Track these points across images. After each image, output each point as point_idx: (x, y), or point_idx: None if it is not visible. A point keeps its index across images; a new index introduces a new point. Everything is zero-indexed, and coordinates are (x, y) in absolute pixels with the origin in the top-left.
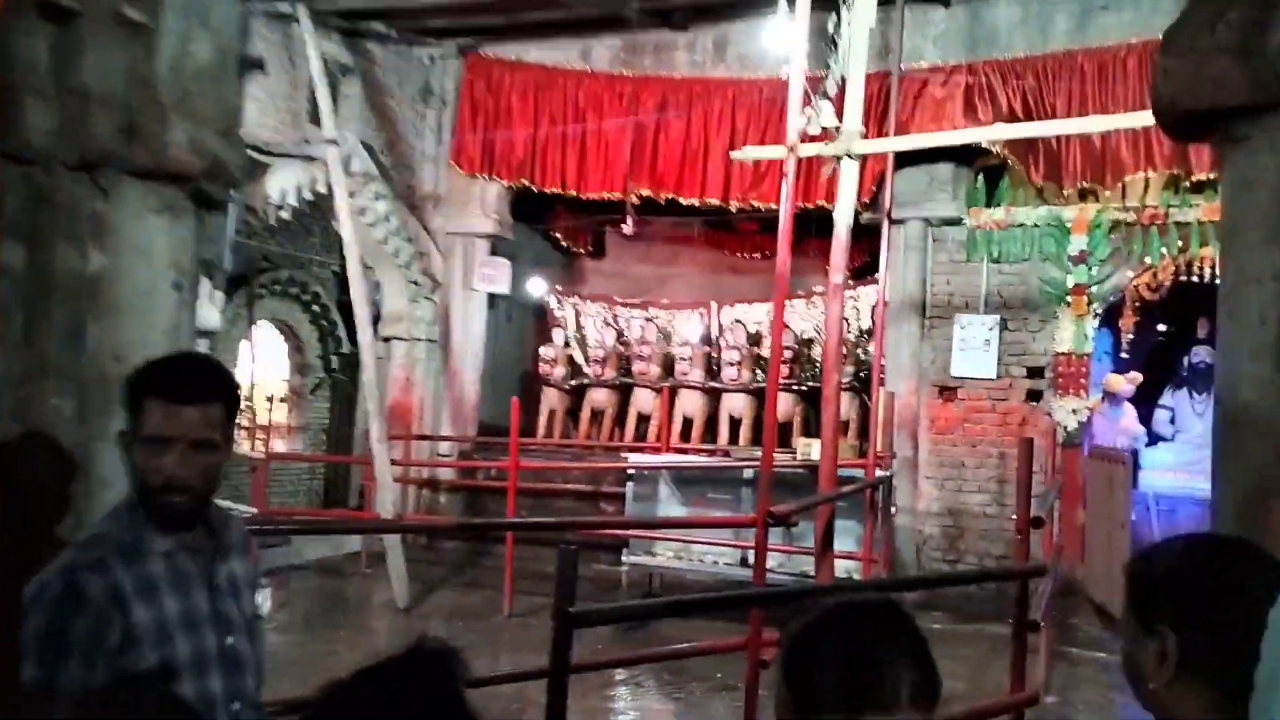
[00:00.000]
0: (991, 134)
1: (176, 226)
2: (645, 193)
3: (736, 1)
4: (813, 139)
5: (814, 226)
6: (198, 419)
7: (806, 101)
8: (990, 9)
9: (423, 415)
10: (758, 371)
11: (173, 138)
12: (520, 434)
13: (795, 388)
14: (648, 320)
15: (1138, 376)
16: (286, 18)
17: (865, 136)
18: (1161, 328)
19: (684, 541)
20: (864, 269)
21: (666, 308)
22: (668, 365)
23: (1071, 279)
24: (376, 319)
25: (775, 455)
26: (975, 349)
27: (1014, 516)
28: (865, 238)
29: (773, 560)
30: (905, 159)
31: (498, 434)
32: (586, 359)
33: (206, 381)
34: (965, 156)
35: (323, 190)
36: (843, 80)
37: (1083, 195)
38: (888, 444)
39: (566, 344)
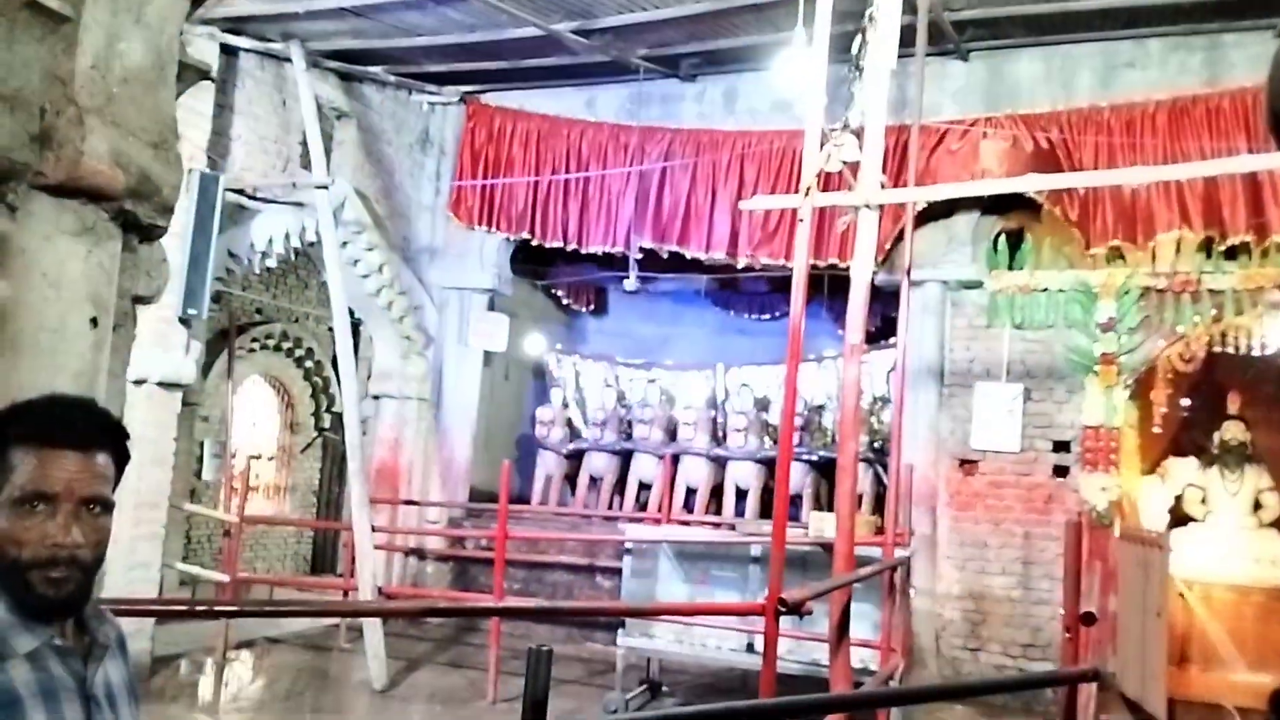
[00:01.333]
0: (1023, 184)
1: (96, 253)
2: (648, 244)
3: (746, 54)
4: (827, 185)
5: (825, 288)
6: (85, 469)
7: (825, 139)
8: (1011, 63)
9: (411, 478)
10: (765, 438)
11: (93, 147)
12: (514, 500)
13: (806, 457)
14: (650, 382)
15: None
16: (279, 57)
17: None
18: (1186, 401)
19: (685, 624)
20: (875, 336)
21: (670, 369)
22: (671, 430)
23: (1099, 347)
24: (367, 376)
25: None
26: (997, 420)
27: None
28: (877, 302)
29: (781, 646)
30: (923, 218)
31: (490, 499)
32: (586, 421)
33: (91, 424)
34: (986, 215)
35: (313, 239)
36: (860, 130)
37: (1109, 260)
38: (905, 520)
39: (565, 405)
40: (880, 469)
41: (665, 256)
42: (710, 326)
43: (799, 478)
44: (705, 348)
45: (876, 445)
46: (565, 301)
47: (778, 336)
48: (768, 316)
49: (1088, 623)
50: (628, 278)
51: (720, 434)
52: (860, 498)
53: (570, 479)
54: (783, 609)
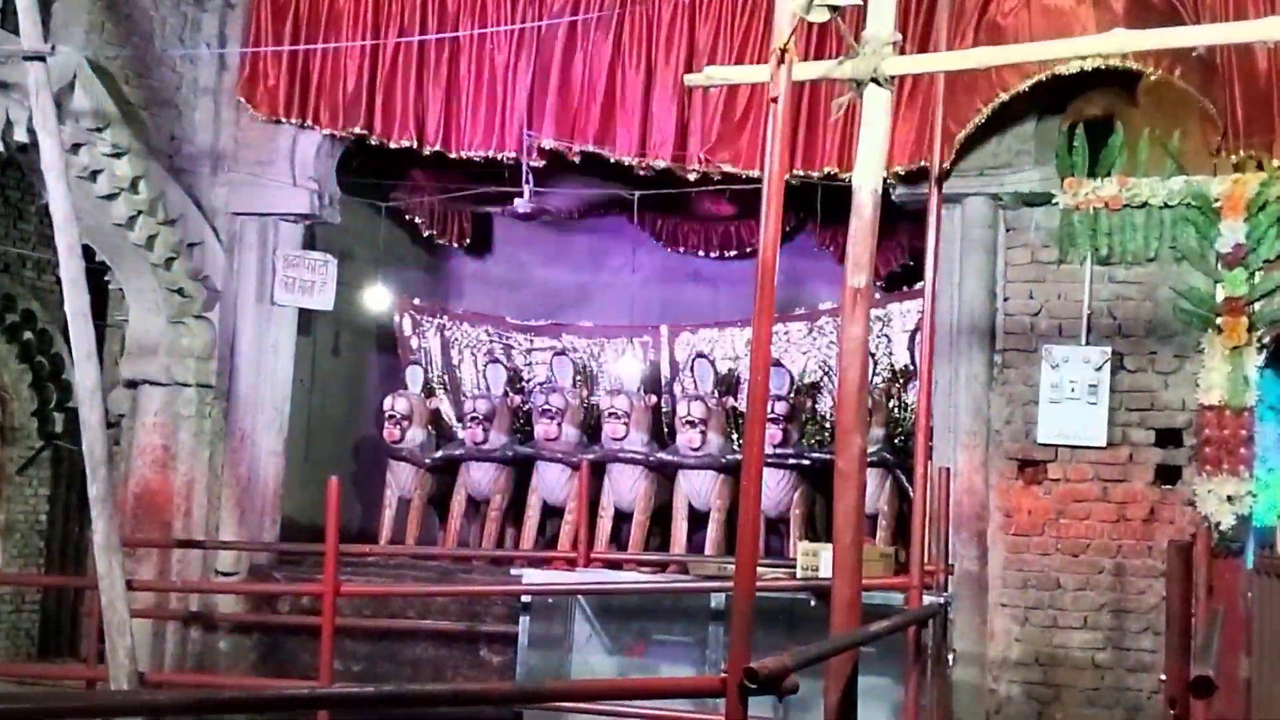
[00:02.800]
0: (1107, 44)
1: None
2: (551, 145)
3: None
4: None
5: (819, 210)
6: None
7: None
8: None
9: (190, 507)
10: (733, 435)
11: None
12: (349, 537)
13: (793, 461)
14: (559, 354)
15: None
16: None
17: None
18: None
19: (612, 714)
20: (897, 278)
21: (589, 334)
22: (591, 426)
23: (1223, 290)
24: (119, 352)
25: (762, 571)
26: (1075, 400)
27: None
28: (900, 229)
29: None
30: (965, 105)
31: (314, 536)
32: (460, 416)
33: None
34: (1055, 102)
35: (24, 139)
36: None
37: (1239, 162)
38: (940, 551)
39: (429, 392)
40: (903, 476)
41: (578, 163)
42: (649, 270)
43: (781, 492)
44: (643, 302)
45: (898, 441)
46: (426, 234)
47: (749, 284)
48: (733, 254)
49: (1202, 693)
50: (520, 196)
51: (666, 430)
52: (873, 519)
53: (438, 502)
54: (752, 686)
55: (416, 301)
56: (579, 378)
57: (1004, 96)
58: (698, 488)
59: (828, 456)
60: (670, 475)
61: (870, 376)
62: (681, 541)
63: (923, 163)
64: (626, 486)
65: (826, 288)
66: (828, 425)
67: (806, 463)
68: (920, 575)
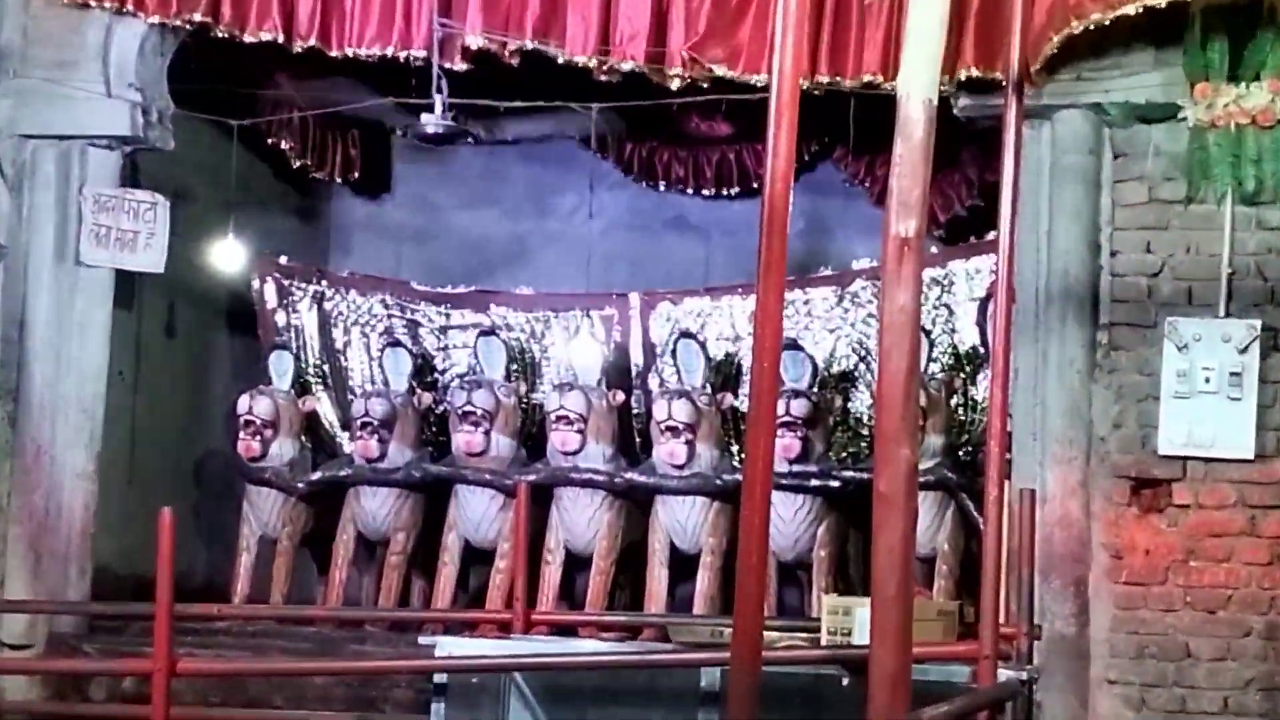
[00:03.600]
0: None
1: None
2: (477, 43)
3: None
4: None
5: (853, 132)
6: None
7: None
8: None
9: None
10: (733, 447)
11: None
12: (189, 593)
13: (816, 483)
14: (486, 334)
15: None
16: None
17: None
18: None
19: None
20: (961, 225)
21: (529, 306)
22: (532, 435)
23: None
24: None
25: (771, 637)
26: (1211, 394)
27: None
28: (965, 157)
29: None
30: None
31: (141, 593)
32: (348, 422)
33: None
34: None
35: None
36: None
37: None
38: (1023, 607)
39: (302, 388)
40: (970, 503)
41: (515, 65)
42: (614, 215)
43: (800, 526)
44: (604, 260)
45: (963, 454)
46: (298, 166)
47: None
48: (731, 193)
49: None
50: (431, 111)
51: (638, 441)
52: (929, 563)
53: (317, 544)
54: None
55: (284, 260)
56: (515, 367)
57: None
58: (683, 521)
59: (864, 475)
60: (645, 503)
61: (924, 363)
62: (660, 596)
63: (996, 74)
64: (582, 520)
65: (862, 239)
66: (865, 432)
67: (835, 485)
68: (994, 641)
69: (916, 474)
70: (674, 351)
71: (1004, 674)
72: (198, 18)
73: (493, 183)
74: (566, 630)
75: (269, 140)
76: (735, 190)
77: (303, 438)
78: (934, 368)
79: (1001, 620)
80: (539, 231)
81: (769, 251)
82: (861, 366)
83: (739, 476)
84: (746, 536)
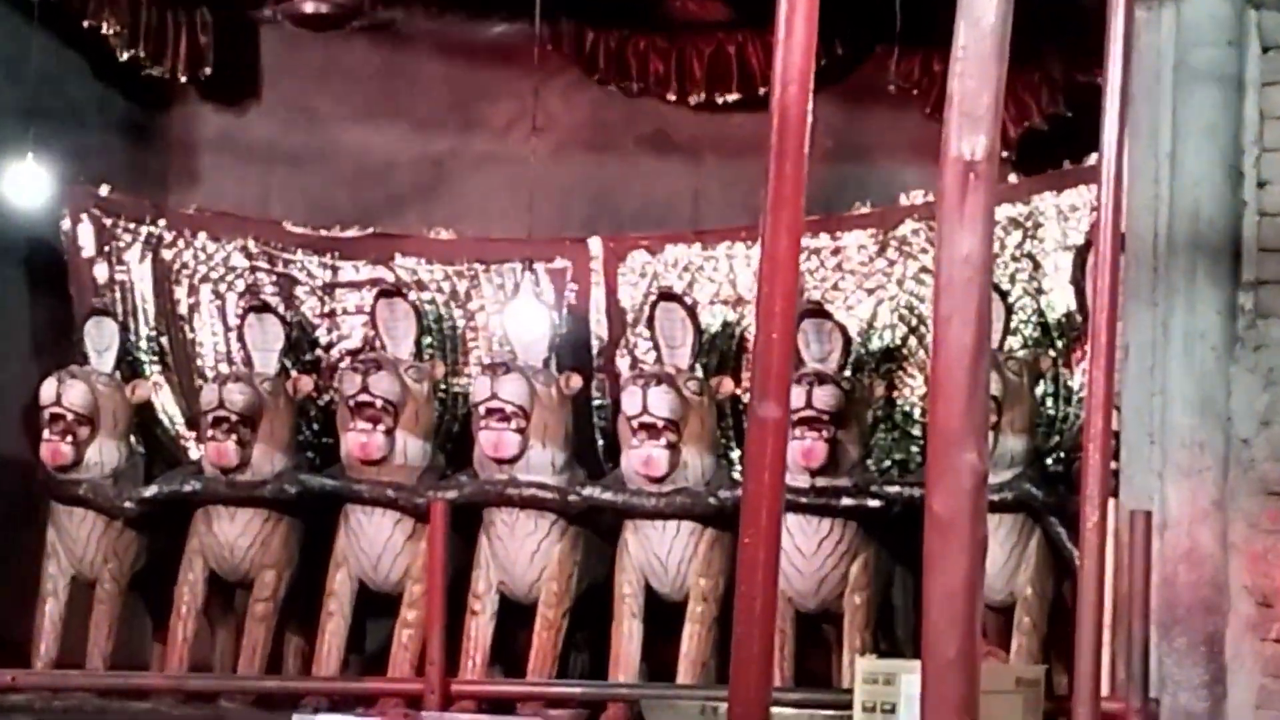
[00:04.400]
0: None
1: None
2: None
3: None
4: None
5: (899, 20)
6: None
7: None
8: None
9: None
10: (733, 451)
11: None
12: None
13: (847, 502)
14: (388, 295)
15: None
16: None
17: None
18: None
19: None
20: (1045, 144)
21: (449, 256)
22: (453, 434)
23: None
24: None
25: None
26: None
27: None
28: (1050, 52)
29: None
30: None
31: None
32: (195, 416)
33: None
34: None
35: None
36: None
37: None
38: (1135, 673)
39: (130, 367)
40: (1060, 530)
41: None
42: (567, 131)
43: (825, 561)
44: (554, 192)
45: (1051, 462)
46: (126, 58)
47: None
48: (730, 99)
49: None
50: None
51: (600, 443)
52: (1004, 612)
53: (152, 584)
54: None
55: (106, 192)
56: (429, 341)
57: None
58: (663, 555)
59: (915, 492)
60: (611, 531)
61: (999, 336)
62: (632, 659)
63: None
64: (523, 553)
65: (912, 164)
66: (916, 431)
67: (874, 505)
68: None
69: (986, 490)
70: (651, 319)
71: None
72: None
73: (398, 85)
74: (501, 707)
75: (85, 22)
76: (735, 96)
77: (132, 438)
78: (1012, 343)
79: (1104, 692)
80: (463, 153)
81: (780, 180)
82: (912, 340)
83: (740, 493)
84: (749, 577)
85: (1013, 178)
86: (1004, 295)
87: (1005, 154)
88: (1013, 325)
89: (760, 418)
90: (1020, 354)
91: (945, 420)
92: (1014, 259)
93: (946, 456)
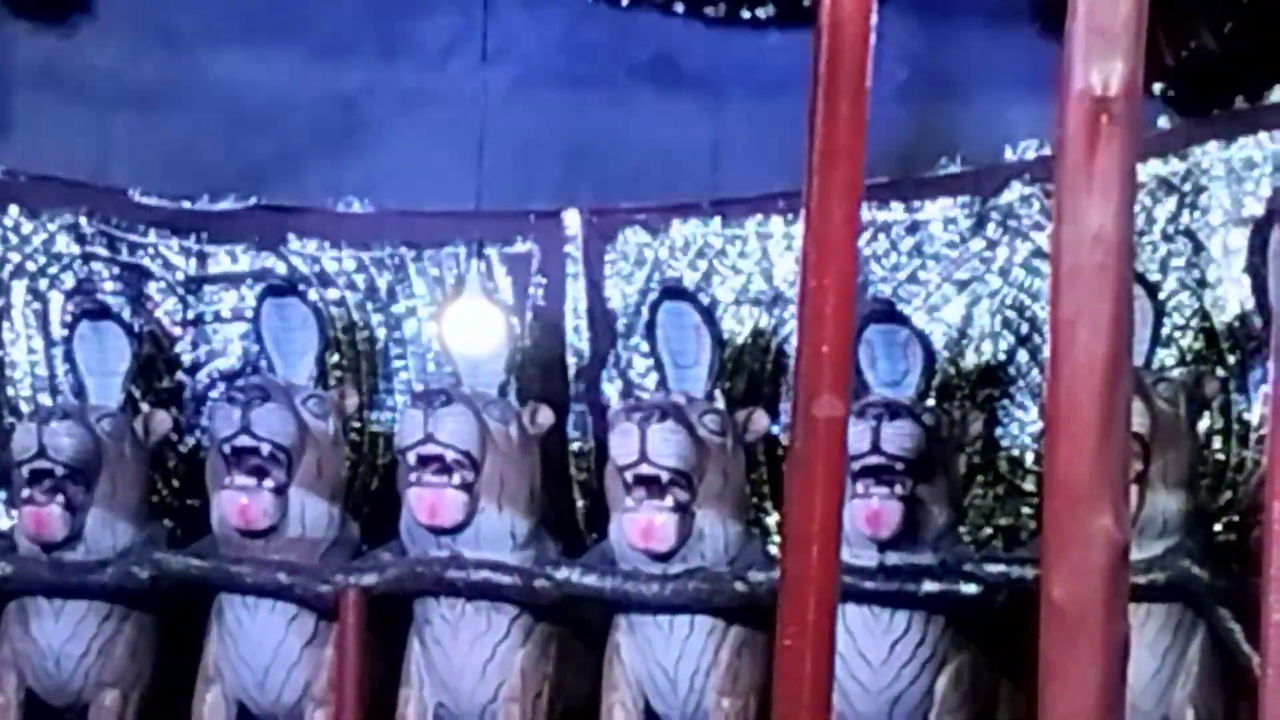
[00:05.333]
0: None
1: None
2: None
3: None
4: None
5: None
6: None
7: None
8: None
9: None
10: (770, 515)
11: None
12: None
13: (930, 587)
14: (278, 293)
15: None
16: None
17: None
18: None
19: None
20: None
21: (362, 234)
22: (370, 492)
23: None
24: None
25: None
26: None
27: None
28: None
29: None
30: None
31: None
32: (4, 471)
33: None
34: None
35: None
36: None
37: None
38: None
39: None
40: (1235, 626)
41: None
42: (529, 58)
43: (901, 669)
44: (514, 144)
45: (1224, 528)
46: None
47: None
48: (764, 15)
49: None
50: None
51: (581, 504)
52: None
53: None
54: None
55: None
56: (337, 359)
57: None
58: (669, 664)
59: (1026, 571)
60: (596, 630)
61: (1144, 347)
62: None
63: None
64: (473, 662)
65: (1019, 103)
66: (1028, 485)
67: (969, 591)
68: None
69: (1127, 568)
70: (651, 326)
71: None
72: None
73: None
74: None
75: None
76: (764, 10)
77: None
78: (1165, 357)
79: None
80: (383, 90)
81: (831, 126)
82: (1023, 355)
83: (775, 575)
84: (791, 694)
85: (1164, 121)
86: (1152, 290)
87: (1155, 88)
88: (1165, 332)
89: (806, 466)
90: (1176, 374)
91: (1069, 470)
92: (1166, 238)
93: (1071, 522)
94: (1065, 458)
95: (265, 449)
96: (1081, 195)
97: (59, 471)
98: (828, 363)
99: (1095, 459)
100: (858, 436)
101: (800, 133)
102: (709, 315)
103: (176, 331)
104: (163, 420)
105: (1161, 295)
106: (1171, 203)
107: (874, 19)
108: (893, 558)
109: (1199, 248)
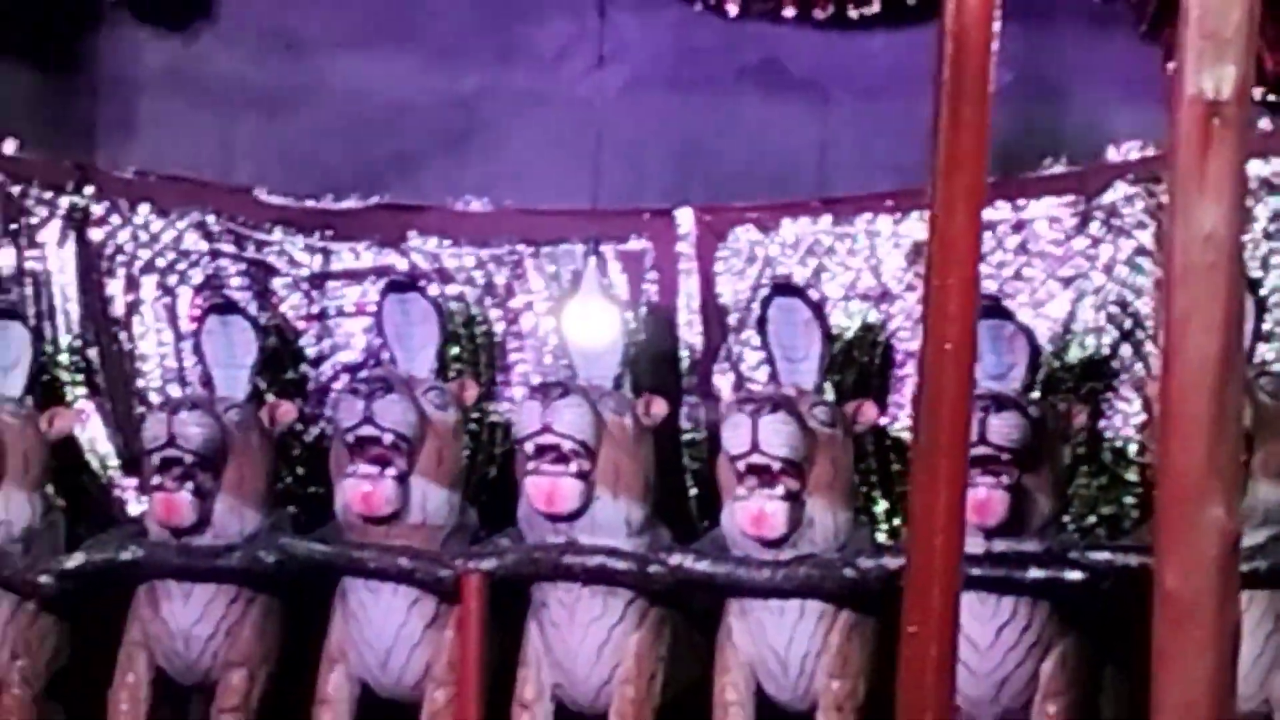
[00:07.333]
0: None
1: None
2: None
3: None
4: None
5: None
6: None
7: None
8: None
9: None
10: (878, 504)
11: None
12: None
13: (1036, 574)
14: (399, 289)
15: None
16: None
17: None
18: None
19: None
20: None
21: (480, 232)
22: (489, 481)
23: None
24: None
25: None
26: None
27: None
28: None
29: None
30: None
31: None
32: (134, 455)
33: None
34: None
35: None
36: None
37: None
38: None
39: (47, 389)
40: None
41: None
42: (644, 62)
43: (1006, 653)
44: (626, 145)
45: None
46: None
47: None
48: (872, 14)
49: None
50: None
51: (693, 493)
52: None
53: (77, 687)
54: None
55: (13, 149)
56: (457, 353)
57: None
58: (780, 647)
59: (1130, 559)
60: (708, 616)
61: (1249, 343)
62: None
63: None
64: (589, 645)
65: (1123, 104)
66: (1131, 476)
67: (1074, 577)
68: None
69: (1238, 558)
70: (763, 322)
71: None
72: None
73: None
74: None
75: None
76: (876, 8)
77: (48, 489)
78: (1265, 352)
79: None
80: (501, 92)
81: (956, 130)
82: (1126, 349)
83: (888, 562)
84: (914, 681)
85: (1264, 123)
86: (1254, 286)
87: (1255, 92)
88: (1266, 328)
89: (930, 458)
90: (1278, 368)
91: (1182, 462)
92: (1267, 236)
93: (1183, 513)
94: (1178, 451)
95: (388, 438)
96: (1194, 197)
97: (188, 459)
98: (950, 359)
99: (1207, 452)
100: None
101: (906, 134)
102: (819, 310)
103: (301, 325)
104: (288, 410)
105: (1263, 291)
106: (1274, 202)
107: (996, 26)
108: (999, 545)
109: None
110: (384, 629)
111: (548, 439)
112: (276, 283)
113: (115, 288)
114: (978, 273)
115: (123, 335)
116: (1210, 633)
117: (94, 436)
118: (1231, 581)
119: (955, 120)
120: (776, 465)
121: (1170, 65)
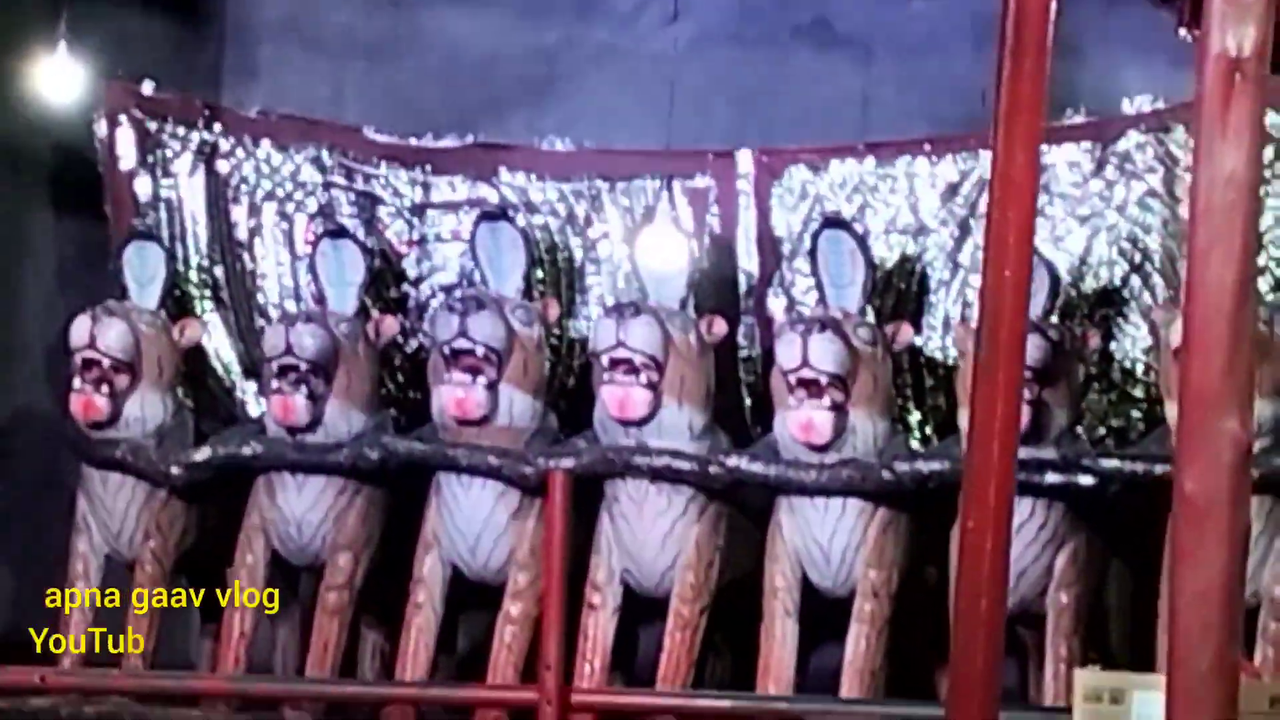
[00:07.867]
0: None
1: None
2: None
3: None
4: None
5: None
6: None
7: None
8: None
9: None
10: (912, 414)
11: None
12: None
13: (1054, 478)
14: (491, 218)
15: None
16: None
17: None
18: None
19: None
20: None
21: (565, 171)
22: (568, 390)
23: None
24: None
25: None
26: None
27: None
28: None
29: None
30: None
31: None
32: (255, 363)
33: None
34: None
35: None
36: None
37: None
38: None
39: (179, 303)
40: None
41: None
42: (709, 17)
43: (1026, 549)
44: (692, 93)
45: None
46: None
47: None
48: None
49: None
50: None
51: (748, 403)
52: (1249, 615)
53: (202, 567)
54: None
55: (150, 90)
56: (540, 275)
57: None
58: (824, 541)
59: (1135, 466)
60: (760, 511)
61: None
62: (785, 667)
63: None
64: (654, 536)
65: (1135, 61)
66: (1137, 392)
67: (1086, 482)
68: None
69: (1250, 466)
70: (813, 251)
71: None
72: None
73: None
74: (625, 718)
75: None
76: None
77: (179, 390)
78: (1262, 285)
79: None
80: (581, 44)
81: (1017, 81)
82: (1135, 280)
83: (921, 465)
84: (972, 572)
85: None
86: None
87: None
88: (1260, 263)
89: (990, 371)
90: (1271, 298)
91: (1202, 380)
92: (1263, 179)
93: (1203, 425)
94: (1199, 370)
95: (480, 350)
96: (1216, 142)
97: (303, 367)
98: (1009, 285)
99: (1225, 371)
100: None
101: (941, 86)
102: (862, 242)
103: (403, 250)
104: (391, 325)
105: (1264, 230)
106: (1269, 150)
107: None
108: (1021, 452)
109: None
110: (473, 518)
111: (621, 353)
112: (382, 211)
113: (239, 214)
114: (1035, 207)
115: (245, 256)
116: (1224, 531)
117: (219, 346)
118: (1244, 486)
119: (1017, 70)
120: (824, 379)
121: (1182, 30)
